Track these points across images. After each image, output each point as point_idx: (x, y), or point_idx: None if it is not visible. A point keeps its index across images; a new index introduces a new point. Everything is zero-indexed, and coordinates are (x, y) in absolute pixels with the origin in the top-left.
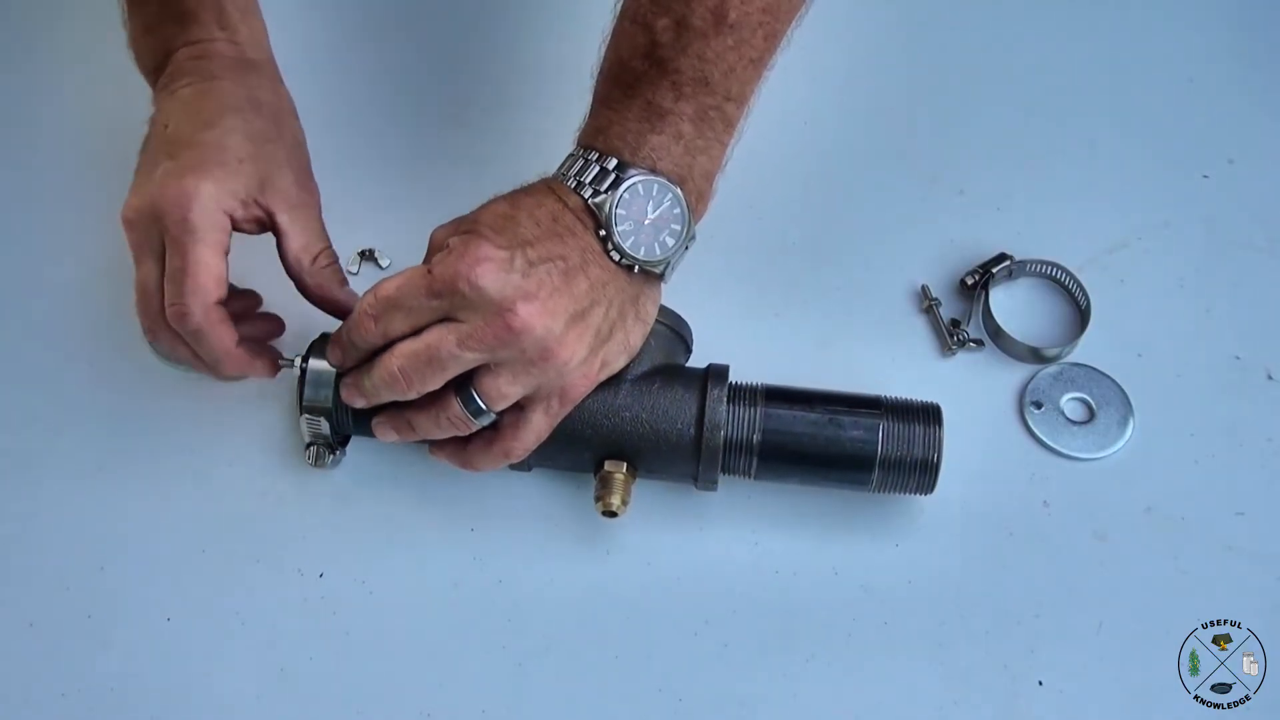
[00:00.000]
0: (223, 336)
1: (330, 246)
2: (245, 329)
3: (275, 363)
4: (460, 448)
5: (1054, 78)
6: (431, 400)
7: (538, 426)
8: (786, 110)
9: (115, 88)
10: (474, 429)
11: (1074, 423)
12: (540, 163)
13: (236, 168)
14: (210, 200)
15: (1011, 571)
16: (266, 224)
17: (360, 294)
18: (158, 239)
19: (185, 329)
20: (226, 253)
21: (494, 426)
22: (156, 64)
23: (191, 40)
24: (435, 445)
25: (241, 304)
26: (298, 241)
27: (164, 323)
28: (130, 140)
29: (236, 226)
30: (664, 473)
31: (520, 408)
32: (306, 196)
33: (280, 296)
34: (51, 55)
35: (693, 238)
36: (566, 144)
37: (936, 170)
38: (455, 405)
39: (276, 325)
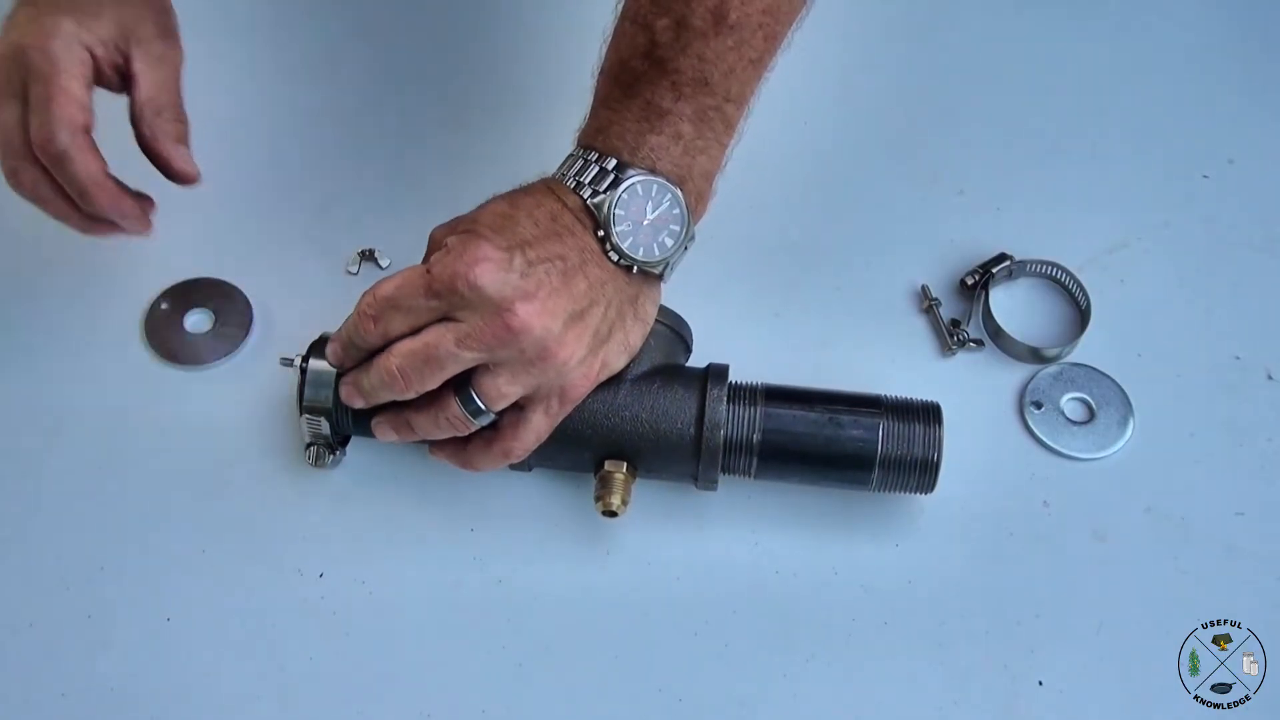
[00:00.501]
0: (89, 162)
1: (180, 107)
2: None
3: (148, 214)
4: (460, 448)
5: (1054, 78)
6: (430, 400)
7: (537, 427)
8: (786, 110)
9: None
10: (473, 429)
11: (1074, 423)
12: (540, 162)
13: (96, 10)
14: (71, 35)
15: (1011, 571)
16: (125, 75)
17: (355, 297)
18: (19, 81)
19: (50, 154)
20: (90, 87)
21: (493, 426)
22: None
23: None
24: (435, 445)
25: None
26: (147, 92)
27: (28, 157)
28: (129, 133)
29: (98, 71)
30: (664, 472)
31: (520, 408)
32: (169, 53)
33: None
34: None
35: (692, 238)
36: (566, 144)
37: (936, 170)
38: (454, 405)
39: (149, 202)
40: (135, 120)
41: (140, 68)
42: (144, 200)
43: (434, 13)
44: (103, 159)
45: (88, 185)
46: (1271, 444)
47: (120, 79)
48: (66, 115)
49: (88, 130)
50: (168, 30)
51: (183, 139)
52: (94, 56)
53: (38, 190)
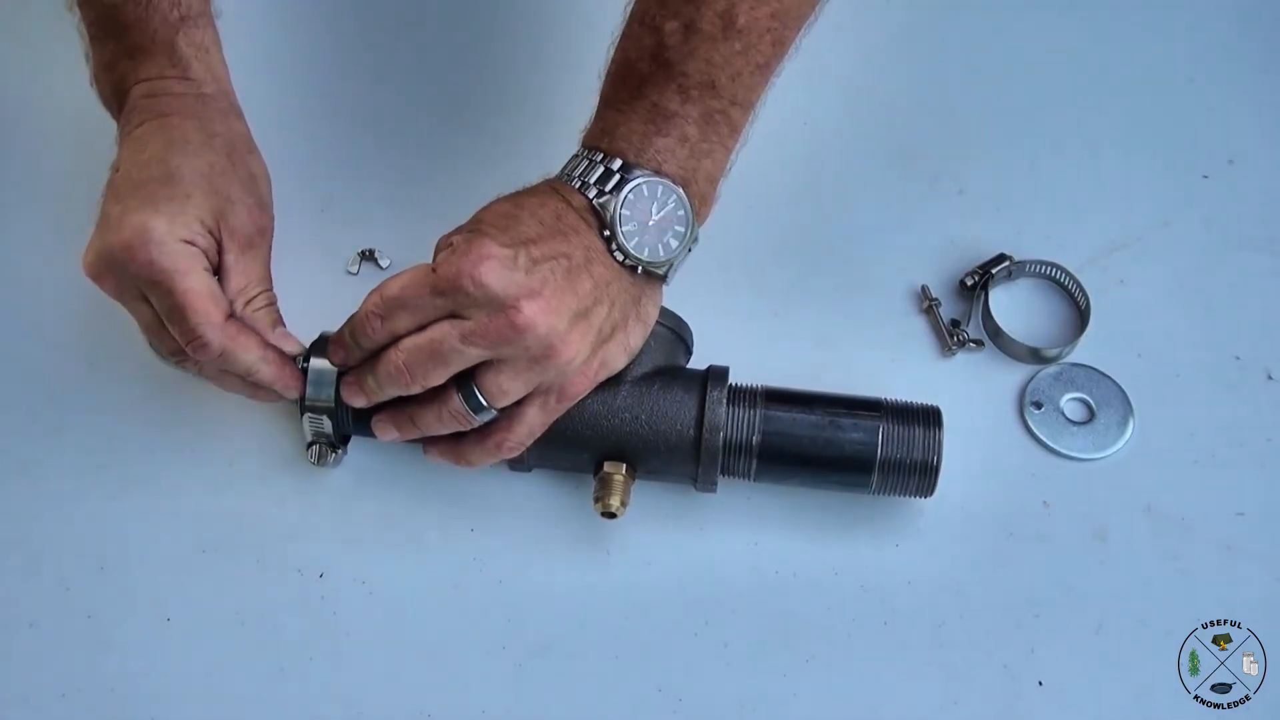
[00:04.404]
0: (249, 346)
1: (269, 289)
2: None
3: (300, 375)
4: (455, 443)
5: (1054, 77)
6: (433, 396)
7: (532, 421)
8: (786, 111)
9: None
10: (474, 425)
11: (1074, 423)
12: (542, 163)
13: (185, 202)
14: (164, 235)
15: (1011, 571)
16: (219, 258)
17: (353, 302)
18: (132, 284)
19: (210, 358)
20: (209, 269)
21: (489, 421)
22: (118, 102)
23: (144, 78)
24: (430, 443)
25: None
26: (236, 284)
27: (181, 350)
28: None
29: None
30: (664, 474)
31: (517, 402)
32: (257, 236)
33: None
34: (51, 53)
35: (695, 240)
36: (570, 145)
37: (936, 170)
38: (456, 400)
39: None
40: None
41: (230, 260)
42: (294, 367)
43: (436, 12)
44: (257, 335)
45: (253, 367)
46: (1271, 444)
47: (213, 260)
48: (205, 316)
49: (230, 314)
50: (258, 206)
51: (278, 320)
52: (195, 245)
53: (204, 373)
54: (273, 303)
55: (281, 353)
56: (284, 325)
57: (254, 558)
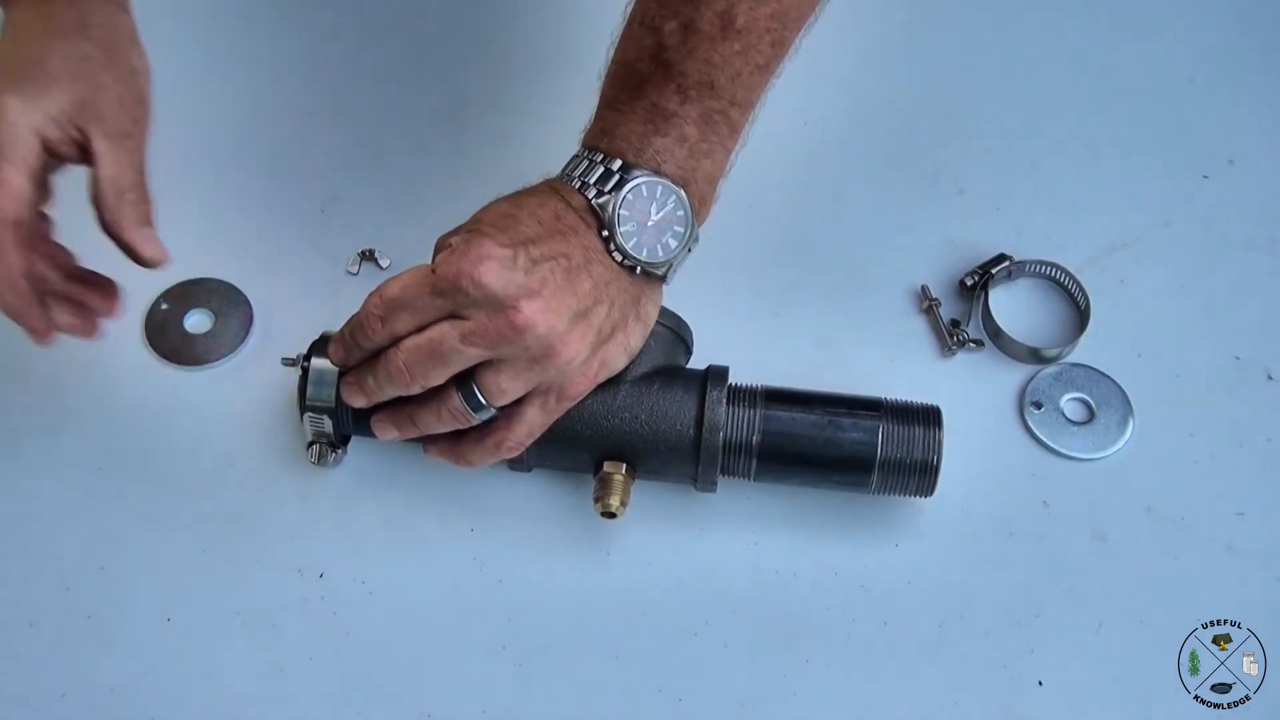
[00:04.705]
0: (11, 261)
1: (143, 188)
2: (67, 287)
3: (49, 329)
4: (454, 443)
5: (1054, 77)
6: (433, 395)
7: (532, 421)
8: (786, 110)
9: None
10: (473, 423)
11: (1074, 423)
12: (542, 164)
13: (49, 85)
14: (17, 115)
15: (1011, 571)
16: (86, 150)
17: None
18: None
19: None
20: (36, 175)
21: (489, 420)
22: None
23: None
24: (430, 443)
25: (72, 268)
26: (108, 171)
27: None
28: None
29: (54, 149)
30: (663, 474)
31: (517, 401)
32: (130, 127)
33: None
34: None
35: (695, 240)
36: (569, 146)
37: (936, 170)
38: (455, 398)
39: (110, 300)
40: (96, 202)
41: (100, 147)
42: (86, 314)
43: (436, 12)
44: (27, 260)
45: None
46: (1271, 444)
47: (80, 153)
48: None
49: (19, 223)
50: (133, 99)
51: (147, 220)
52: (46, 139)
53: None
54: (146, 202)
55: (32, 294)
56: (152, 227)
57: (254, 558)
